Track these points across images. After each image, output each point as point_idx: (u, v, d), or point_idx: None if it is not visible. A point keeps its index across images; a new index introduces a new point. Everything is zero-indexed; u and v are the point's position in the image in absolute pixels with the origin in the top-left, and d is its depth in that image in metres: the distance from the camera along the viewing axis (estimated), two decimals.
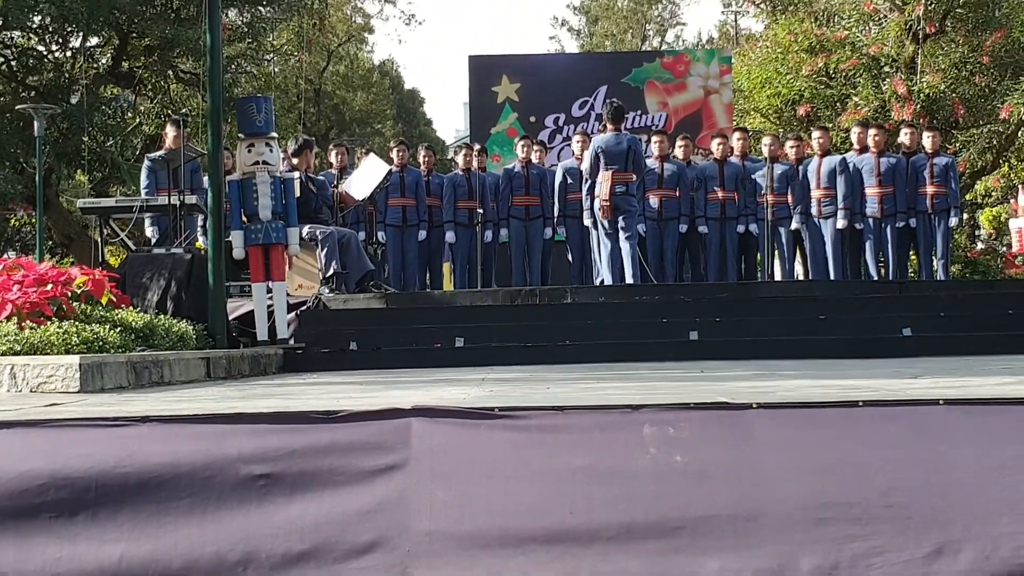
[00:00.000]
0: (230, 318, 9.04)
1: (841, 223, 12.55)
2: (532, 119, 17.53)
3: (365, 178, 12.32)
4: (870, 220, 12.67)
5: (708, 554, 3.04)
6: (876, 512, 3.09)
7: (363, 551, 3.06)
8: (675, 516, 3.09)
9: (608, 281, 11.77)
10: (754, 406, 3.37)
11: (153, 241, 10.99)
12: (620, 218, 11.71)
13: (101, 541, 3.09)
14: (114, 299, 7.46)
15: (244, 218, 8.99)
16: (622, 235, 11.73)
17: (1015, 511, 3.08)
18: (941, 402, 3.40)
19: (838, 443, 3.25)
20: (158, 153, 11.60)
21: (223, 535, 3.10)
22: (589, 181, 12.16)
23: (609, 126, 11.90)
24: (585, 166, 12.09)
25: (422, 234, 13.19)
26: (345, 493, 3.16)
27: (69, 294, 6.91)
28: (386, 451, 3.23)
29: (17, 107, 18.28)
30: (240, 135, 9.17)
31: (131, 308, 7.61)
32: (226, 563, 3.05)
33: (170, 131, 11.70)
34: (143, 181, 11.85)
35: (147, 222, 11.18)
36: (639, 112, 17.56)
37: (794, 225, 12.75)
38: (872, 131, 13.06)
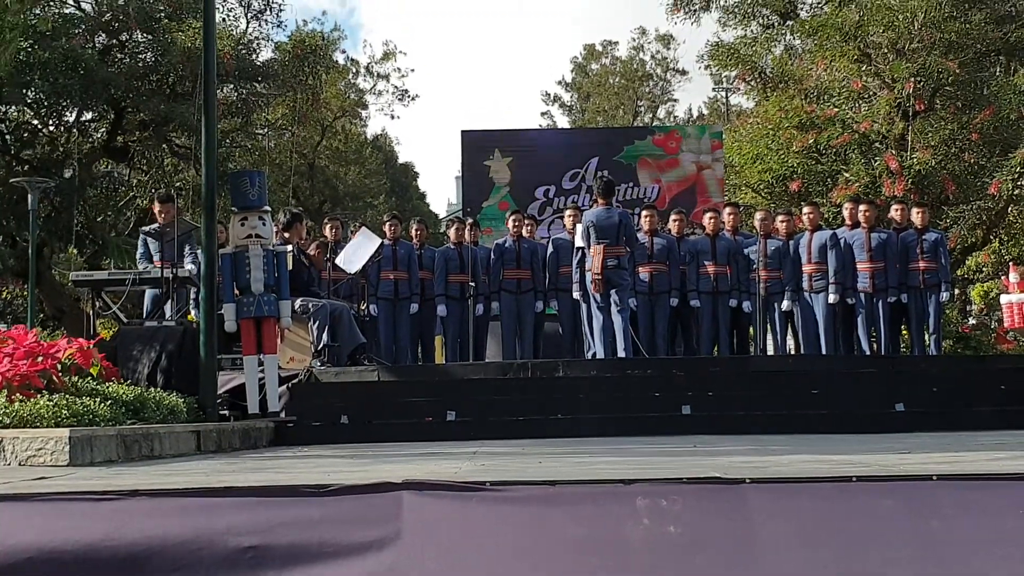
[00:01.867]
0: (221, 391, 9.02)
1: (832, 297, 12.58)
2: (521, 191, 17.61)
3: (357, 251, 12.36)
4: (862, 295, 12.70)
5: None
6: None
7: None
8: None
9: (600, 355, 11.76)
10: (747, 481, 3.35)
11: (146, 313, 11.00)
12: (612, 292, 11.74)
13: None
14: (103, 371, 7.44)
15: (236, 291, 9.00)
16: (614, 308, 11.75)
17: None
18: (935, 477, 3.39)
19: (832, 516, 3.24)
20: (151, 227, 11.65)
21: None
22: (579, 254, 12.21)
23: (600, 200, 11.98)
24: (578, 240, 12.14)
25: (414, 307, 13.20)
26: (336, 566, 3.13)
27: (59, 366, 6.89)
28: (377, 524, 3.21)
29: (11, 180, 18.36)
30: (233, 208, 9.20)
31: (121, 381, 7.59)
32: None
33: (157, 207, 11.74)
34: (139, 252, 11.91)
35: (146, 294, 11.22)
36: (631, 184, 17.66)
37: (785, 305, 12.77)
38: (863, 207, 13.14)
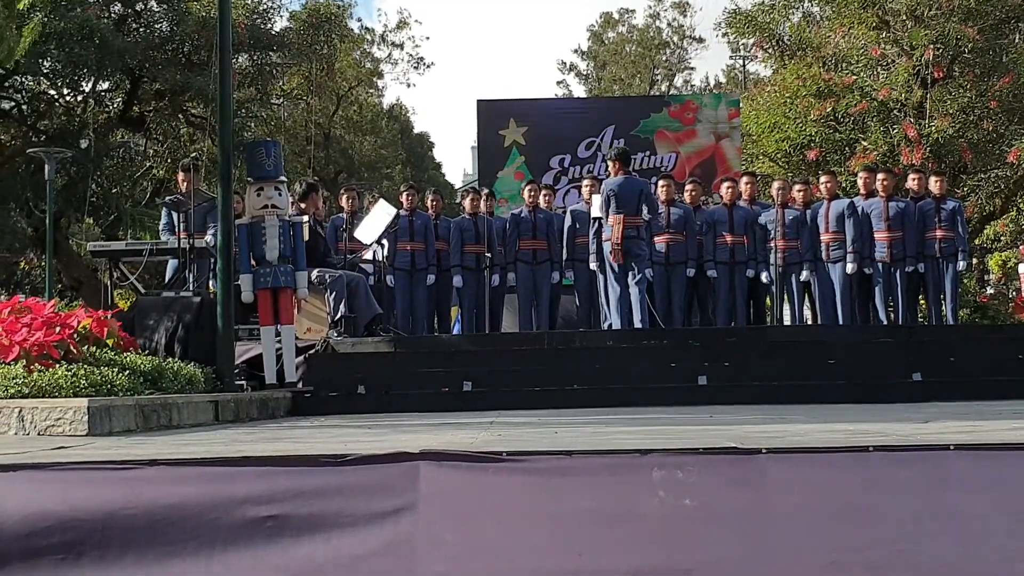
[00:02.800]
0: (238, 361, 9.04)
1: (850, 267, 12.53)
2: (536, 160, 17.54)
3: (374, 222, 12.36)
4: (879, 265, 12.64)
5: None
6: (888, 556, 3.07)
7: None
8: (684, 558, 3.07)
9: (616, 325, 11.75)
10: (763, 451, 3.35)
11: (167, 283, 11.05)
12: (630, 262, 11.71)
13: None
14: (121, 342, 7.46)
15: (253, 262, 9.01)
16: (631, 279, 11.72)
17: None
18: (952, 447, 3.38)
19: (849, 488, 3.23)
20: (172, 197, 11.66)
21: (226, 568, 3.08)
22: (596, 225, 12.18)
23: (619, 169, 11.91)
24: (595, 211, 12.10)
25: (430, 278, 13.20)
26: (353, 535, 3.14)
27: (76, 336, 6.92)
28: (394, 494, 3.22)
29: (28, 151, 18.39)
30: (249, 179, 9.20)
31: (139, 351, 7.62)
32: None
33: (181, 176, 11.77)
34: (162, 223, 11.93)
35: (168, 265, 11.26)
36: (648, 153, 17.58)
37: (803, 275, 12.73)
38: (880, 175, 13.06)
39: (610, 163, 12.24)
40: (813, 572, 3.06)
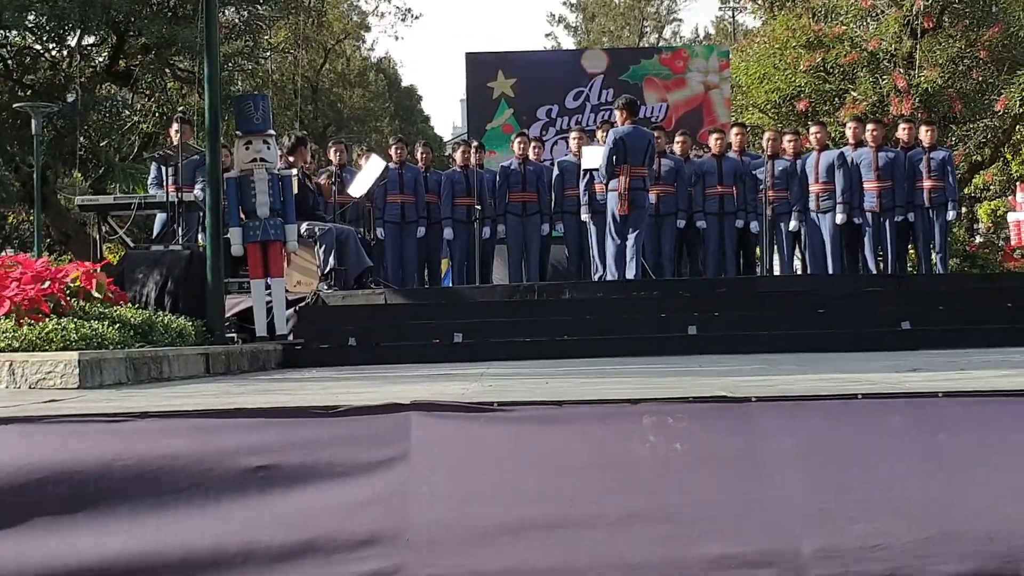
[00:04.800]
0: (229, 314, 9.04)
1: (840, 218, 12.52)
2: (524, 111, 17.43)
3: (365, 176, 12.32)
4: (868, 215, 12.65)
5: (710, 538, 3.04)
6: (877, 496, 3.10)
7: (363, 541, 3.06)
8: (676, 501, 3.10)
9: (612, 277, 11.73)
10: (753, 400, 3.37)
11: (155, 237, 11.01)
12: (633, 214, 11.62)
13: (101, 534, 3.09)
14: (111, 295, 7.45)
15: (242, 215, 8.99)
16: (630, 232, 11.64)
17: (1017, 495, 3.09)
18: (940, 394, 3.41)
19: (838, 432, 3.26)
20: (158, 152, 11.60)
21: (222, 527, 3.10)
22: (587, 176, 12.14)
23: (629, 119, 11.77)
24: (586, 163, 11.97)
25: (421, 230, 13.19)
26: (345, 485, 3.16)
27: (66, 290, 6.91)
28: (386, 445, 3.23)
29: (14, 105, 18.27)
30: (237, 133, 9.16)
31: (129, 305, 7.61)
32: (225, 554, 3.05)
33: (173, 128, 11.70)
34: (151, 177, 11.88)
35: (156, 219, 11.22)
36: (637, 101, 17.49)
37: (792, 225, 12.72)
38: (870, 126, 13.05)
39: (618, 112, 12.10)
40: (804, 511, 3.08)
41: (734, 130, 13.68)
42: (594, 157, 12.03)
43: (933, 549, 3.02)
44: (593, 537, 3.05)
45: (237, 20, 21.25)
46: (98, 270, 7.55)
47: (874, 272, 12.76)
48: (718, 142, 13.15)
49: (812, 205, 12.71)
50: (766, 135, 13.52)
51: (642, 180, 11.68)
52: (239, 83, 22.46)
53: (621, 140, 11.58)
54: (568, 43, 47.32)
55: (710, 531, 3.06)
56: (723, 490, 3.13)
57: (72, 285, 7.05)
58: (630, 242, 11.64)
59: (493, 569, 3.01)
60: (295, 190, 9.74)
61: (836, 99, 20.14)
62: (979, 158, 21.67)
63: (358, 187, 12.24)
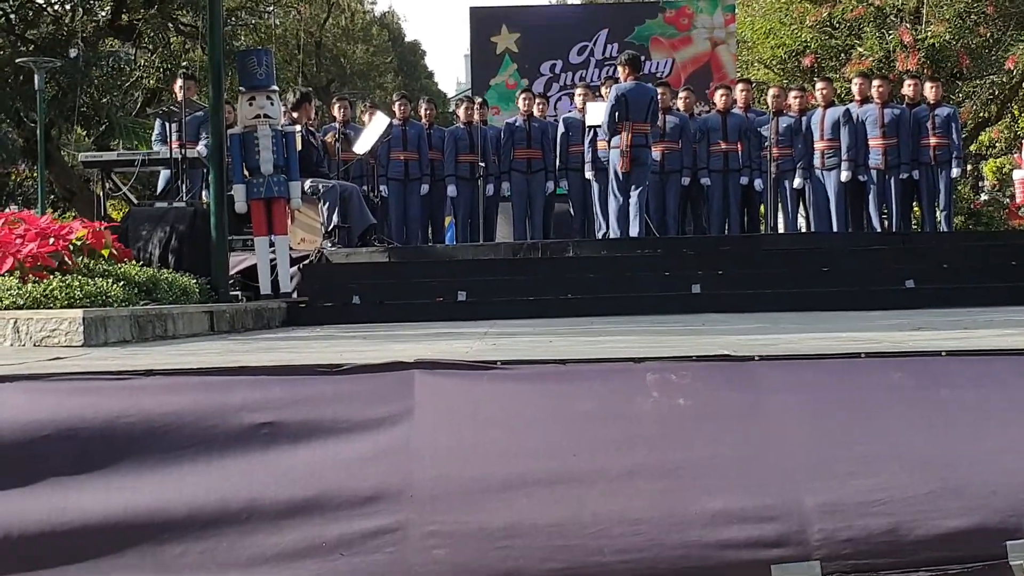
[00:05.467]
0: (233, 271, 9.05)
1: (845, 175, 12.49)
2: (528, 67, 17.33)
3: (370, 134, 12.28)
4: (873, 172, 12.60)
5: (712, 493, 3.06)
6: (879, 451, 3.11)
7: (368, 498, 3.07)
8: (678, 456, 3.11)
9: (614, 234, 11.70)
10: (756, 358, 3.38)
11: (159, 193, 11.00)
12: (635, 170, 11.56)
13: (107, 490, 3.11)
14: (116, 253, 7.46)
15: (246, 172, 8.97)
16: (633, 189, 11.60)
17: (1020, 450, 3.10)
18: (943, 353, 3.41)
19: (841, 388, 3.27)
20: (162, 107, 11.56)
21: (227, 483, 3.11)
22: (591, 133, 12.08)
23: (631, 75, 11.69)
24: (604, 114, 11.81)
25: (424, 188, 13.16)
26: (349, 441, 3.17)
27: (71, 247, 6.91)
28: (390, 402, 3.24)
29: (17, 60, 18.21)
30: (241, 88, 9.13)
31: (133, 262, 7.62)
32: (230, 510, 3.07)
33: (178, 83, 11.66)
34: (155, 134, 11.86)
35: (160, 175, 11.21)
36: (643, 58, 17.33)
37: (797, 182, 12.68)
38: (876, 82, 12.98)
39: (620, 68, 12.02)
40: (806, 465, 3.10)
41: (739, 86, 13.60)
42: (598, 113, 11.95)
43: (935, 503, 3.04)
44: (595, 492, 3.07)
45: None
46: (105, 228, 7.54)
47: (878, 230, 12.73)
48: (723, 98, 13.09)
49: (817, 162, 12.66)
50: (771, 91, 13.46)
51: (644, 137, 11.61)
52: (242, 38, 22.36)
53: (623, 96, 11.49)
54: None
55: (712, 486, 3.08)
56: (725, 443, 3.14)
57: (77, 243, 7.04)
58: (633, 199, 11.59)
59: (497, 525, 3.03)
60: (299, 146, 9.72)
61: (842, 55, 20.04)
62: (985, 115, 21.58)
63: (363, 144, 12.21)
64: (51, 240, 6.80)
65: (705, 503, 3.05)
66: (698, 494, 3.06)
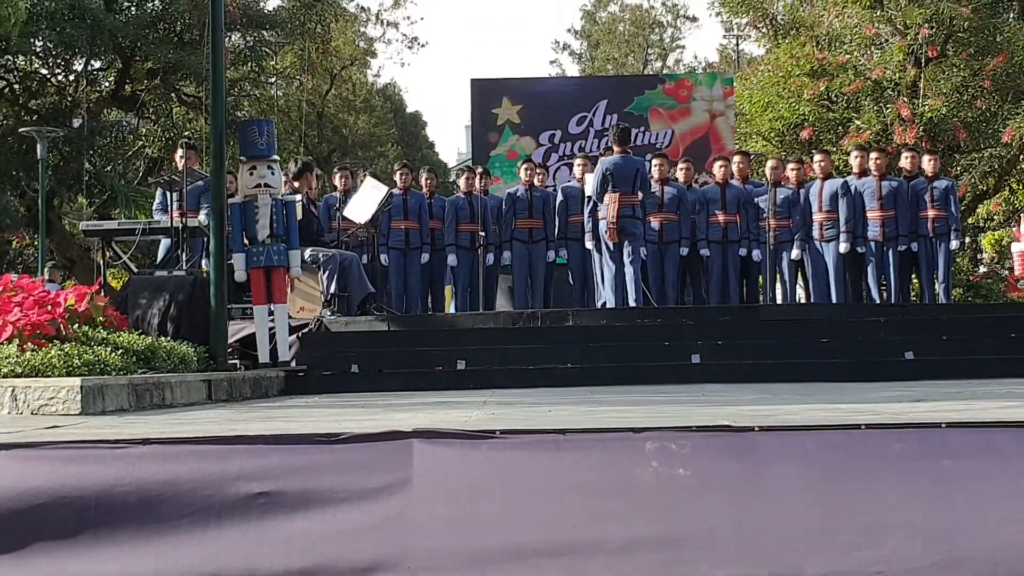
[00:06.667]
0: (231, 340, 9.03)
1: (844, 247, 12.52)
2: (528, 136, 17.43)
3: (365, 201, 12.30)
4: (872, 244, 12.64)
5: (713, 564, 3.03)
6: (881, 522, 3.09)
7: (364, 568, 3.05)
8: (679, 527, 3.09)
9: (610, 304, 11.75)
10: (756, 429, 3.36)
11: (159, 263, 11.02)
12: (625, 241, 11.69)
13: (102, 559, 3.08)
14: (113, 321, 7.45)
15: (246, 240, 8.99)
16: (626, 258, 11.71)
17: (1021, 521, 3.08)
18: (944, 425, 3.40)
19: (842, 458, 3.26)
20: (163, 177, 11.62)
21: (224, 552, 3.09)
22: (591, 203, 12.16)
23: (616, 148, 11.88)
24: (592, 188, 12.00)
25: (425, 256, 13.19)
26: (346, 511, 3.15)
27: (66, 314, 6.90)
28: (388, 471, 3.22)
29: (20, 130, 18.34)
30: (242, 158, 9.18)
31: (131, 330, 7.61)
32: None
33: (179, 153, 11.72)
34: (156, 202, 11.89)
35: (161, 244, 11.24)
36: (642, 129, 17.44)
37: (795, 253, 12.72)
38: (874, 155, 13.07)
39: (611, 140, 12.20)
40: (808, 535, 3.07)
41: (736, 158, 13.67)
42: (592, 185, 12.12)
43: (938, 575, 3.01)
44: (596, 564, 3.04)
45: (243, 46, 21.35)
46: (95, 293, 7.53)
47: (877, 301, 12.74)
48: (722, 170, 13.16)
49: (816, 234, 12.70)
50: (769, 163, 13.54)
51: (632, 208, 11.73)
52: (245, 108, 22.55)
53: (609, 169, 11.71)
54: (573, 71, 47.51)
55: (713, 557, 3.05)
56: (726, 514, 3.12)
57: (70, 308, 7.04)
58: (628, 270, 11.69)
59: None
60: (299, 215, 9.74)
61: (840, 127, 20.18)
62: (983, 188, 21.69)
63: (357, 210, 12.21)
64: (48, 307, 6.79)
65: (707, 573, 3.02)
66: (699, 565, 3.04)
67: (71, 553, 3.09)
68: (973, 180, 20.72)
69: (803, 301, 13.58)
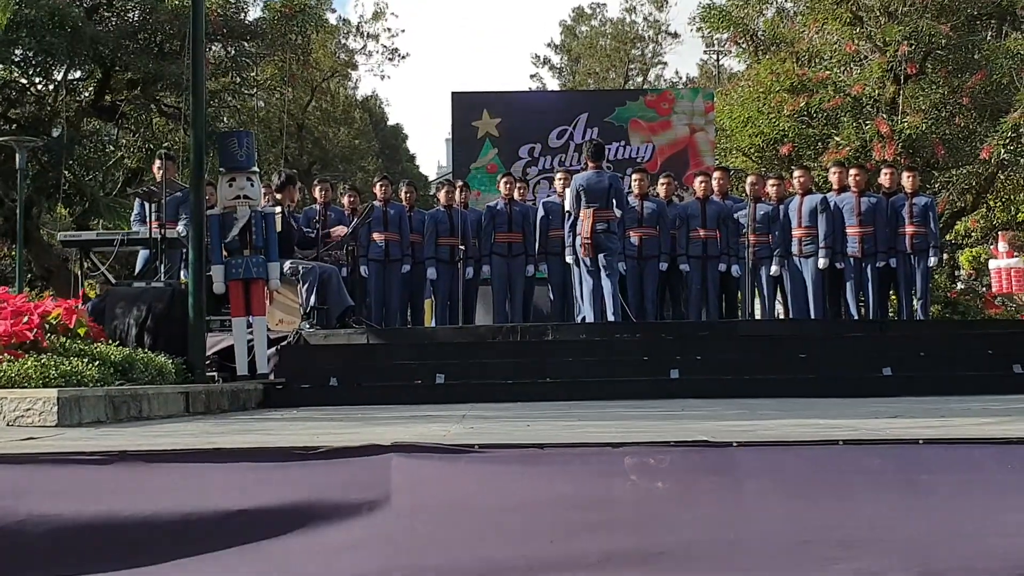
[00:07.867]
0: (210, 352, 9.00)
1: (822, 262, 12.58)
2: (508, 150, 17.40)
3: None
4: (851, 260, 12.70)
5: None
6: (860, 535, 3.09)
7: None
8: (657, 541, 3.08)
9: (589, 319, 11.78)
10: (735, 444, 3.36)
11: (137, 274, 10.99)
12: (601, 256, 11.73)
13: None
14: (90, 332, 7.41)
15: (225, 252, 8.96)
16: (603, 273, 11.75)
17: (1000, 534, 3.08)
18: (920, 441, 3.41)
19: (820, 473, 3.26)
20: (142, 188, 11.59)
21: (199, 573, 3.06)
22: (571, 218, 12.19)
23: (590, 164, 11.96)
24: (568, 204, 12.10)
25: (405, 268, 13.19)
26: (325, 527, 3.13)
27: (45, 326, 6.87)
28: (366, 487, 3.21)
29: None
30: (221, 169, 9.15)
31: (108, 341, 7.57)
32: None
33: (157, 163, 11.69)
34: (134, 213, 11.86)
35: (139, 255, 11.21)
36: (622, 143, 17.44)
37: (774, 269, 12.76)
38: (853, 171, 13.13)
39: (586, 156, 12.26)
40: (786, 548, 3.07)
41: (716, 174, 13.71)
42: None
43: None
44: None
45: (224, 57, 21.30)
46: (79, 307, 7.51)
47: (856, 317, 12.80)
48: (703, 185, 13.19)
49: (795, 249, 12.76)
50: (749, 179, 13.60)
51: (607, 223, 11.77)
52: (225, 119, 22.48)
53: (580, 186, 11.80)
54: (553, 85, 47.54)
55: (692, 569, 3.04)
56: (704, 527, 3.11)
57: (52, 321, 7.00)
58: (605, 284, 11.73)
59: None
60: (279, 228, 9.73)
61: (819, 144, 20.26)
62: (961, 205, 21.81)
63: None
64: (25, 318, 6.75)
65: None
66: None
67: (45, 570, 3.06)
68: (951, 197, 20.83)
69: (782, 317, 13.61)
